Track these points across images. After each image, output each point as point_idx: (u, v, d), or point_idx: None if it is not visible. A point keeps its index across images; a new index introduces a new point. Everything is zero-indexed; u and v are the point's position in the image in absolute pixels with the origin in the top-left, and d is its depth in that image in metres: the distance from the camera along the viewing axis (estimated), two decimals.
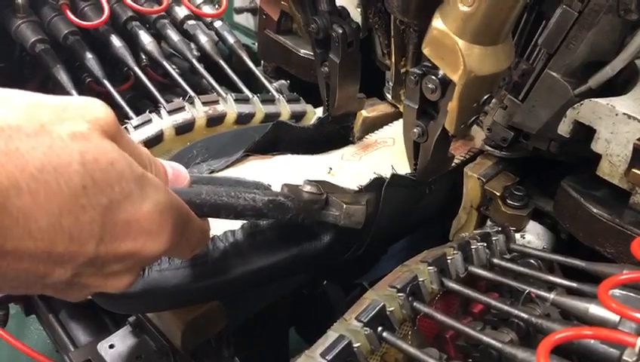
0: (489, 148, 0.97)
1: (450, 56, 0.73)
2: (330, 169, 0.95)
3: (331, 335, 0.57)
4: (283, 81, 1.40)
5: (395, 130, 1.08)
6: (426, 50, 0.77)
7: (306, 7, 0.92)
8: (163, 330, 0.87)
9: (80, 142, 0.43)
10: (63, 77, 1.23)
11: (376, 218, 0.87)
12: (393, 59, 0.95)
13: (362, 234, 0.87)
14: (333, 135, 1.05)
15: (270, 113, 1.23)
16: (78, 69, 1.35)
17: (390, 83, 1.07)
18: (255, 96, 1.25)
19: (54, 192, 0.41)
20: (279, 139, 0.99)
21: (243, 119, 1.20)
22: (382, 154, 1.02)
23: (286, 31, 1.38)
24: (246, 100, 1.23)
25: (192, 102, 1.18)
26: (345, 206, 0.75)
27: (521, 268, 0.64)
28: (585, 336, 0.51)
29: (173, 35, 1.37)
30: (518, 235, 0.89)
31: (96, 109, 0.46)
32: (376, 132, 1.10)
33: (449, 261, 0.64)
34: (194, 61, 1.34)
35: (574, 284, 0.60)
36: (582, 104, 0.79)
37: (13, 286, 0.45)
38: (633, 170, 0.75)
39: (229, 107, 1.20)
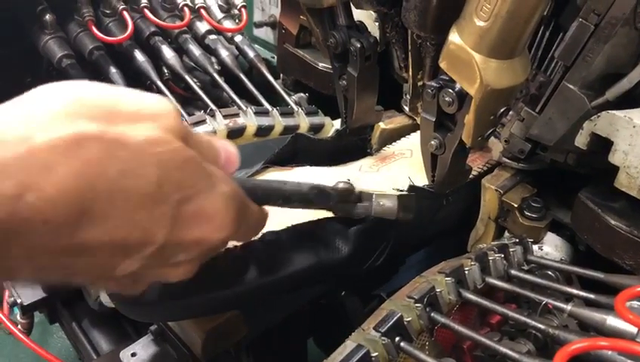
0: (507, 160, 0.97)
1: (467, 70, 0.73)
2: (349, 180, 0.95)
3: (349, 345, 0.58)
4: (302, 94, 1.42)
5: (412, 142, 1.08)
6: (442, 64, 0.77)
7: (325, 22, 0.93)
8: (184, 339, 0.87)
9: (155, 146, 0.46)
10: None
11: (395, 229, 0.87)
12: (410, 73, 0.95)
13: (380, 245, 0.87)
14: (352, 147, 1.06)
15: (289, 126, 1.24)
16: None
17: (408, 95, 1.08)
18: (274, 108, 1.26)
19: (130, 193, 0.44)
20: (298, 151, 1.00)
21: (263, 132, 1.22)
22: (400, 166, 1.02)
23: (305, 45, 1.39)
24: (265, 113, 1.24)
25: (213, 115, 1.19)
26: (375, 194, 0.77)
27: (539, 280, 0.64)
28: (601, 347, 0.50)
29: (195, 50, 1.40)
30: (536, 247, 0.88)
31: (166, 112, 0.48)
32: (393, 144, 1.10)
33: (466, 272, 0.64)
34: (215, 75, 1.35)
35: (592, 296, 0.60)
36: (599, 116, 0.78)
37: (78, 279, 0.48)
38: None
39: (249, 120, 1.21)
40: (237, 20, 1.49)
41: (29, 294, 1.22)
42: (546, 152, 0.90)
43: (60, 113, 0.43)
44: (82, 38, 1.31)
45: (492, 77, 0.73)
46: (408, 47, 0.91)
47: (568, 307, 0.58)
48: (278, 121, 1.24)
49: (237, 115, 1.21)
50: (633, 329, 0.53)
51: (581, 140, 0.81)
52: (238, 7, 1.50)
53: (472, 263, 0.65)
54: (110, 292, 0.53)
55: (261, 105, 1.29)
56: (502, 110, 0.79)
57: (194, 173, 0.49)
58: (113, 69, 1.30)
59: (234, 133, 1.19)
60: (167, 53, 1.37)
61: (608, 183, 0.79)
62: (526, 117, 0.90)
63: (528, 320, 0.57)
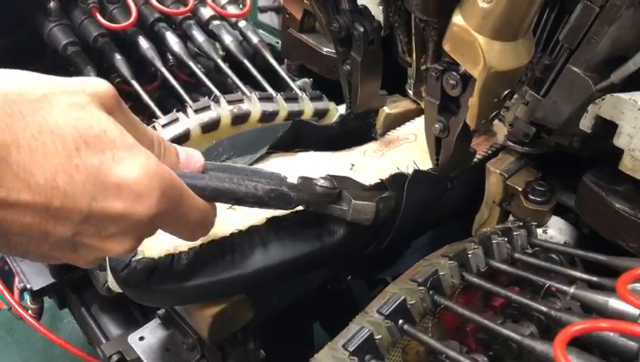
0: (511, 143, 0.97)
1: (471, 52, 0.73)
2: (353, 165, 0.95)
3: (353, 328, 0.58)
4: (306, 79, 1.41)
5: (416, 127, 1.08)
6: (446, 47, 0.77)
7: (328, 7, 0.92)
8: (191, 323, 0.88)
9: (77, 111, 0.49)
10: None
11: (399, 213, 0.87)
12: (414, 57, 0.94)
13: (385, 229, 0.87)
14: (356, 132, 1.06)
15: (293, 111, 1.24)
16: (107, 70, 1.37)
17: (412, 80, 1.07)
18: (278, 94, 1.26)
19: (51, 152, 0.46)
20: (302, 136, 1.00)
21: (267, 117, 1.22)
22: (404, 151, 1.02)
23: (309, 29, 1.39)
24: (270, 99, 1.24)
25: (217, 101, 1.19)
26: (353, 201, 0.77)
27: (542, 262, 0.64)
28: (601, 329, 0.51)
29: (199, 36, 1.39)
30: (540, 230, 0.88)
31: (96, 85, 0.53)
32: (398, 128, 1.10)
33: (470, 255, 0.64)
34: (219, 61, 1.35)
35: (595, 278, 0.60)
36: (604, 99, 0.78)
37: (23, 243, 0.50)
38: None
39: (253, 105, 1.21)
40: (241, 6, 1.48)
41: (39, 280, 1.23)
42: (551, 136, 0.90)
43: None
44: (87, 25, 1.31)
45: (495, 59, 0.72)
46: (412, 31, 0.91)
47: (571, 289, 0.58)
48: (282, 107, 1.23)
49: (241, 100, 1.21)
50: (635, 311, 0.54)
51: (586, 123, 0.81)
52: None
53: (475, 246, 0.65)
54: (59, 261, 0.56)
55: (265, 90, 1.28)
56: (506, 93, 0.79)
57: (113, 143, 0.50)
58: (118, 56, 1.30)
59: (238, 119, 1.19)
60: (172, 39, 1.36)
61: (613, 166, 0.79)
62: (530, 100, 0.89)
63: (531, 303, 0.58)
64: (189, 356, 0.93)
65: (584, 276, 0.60)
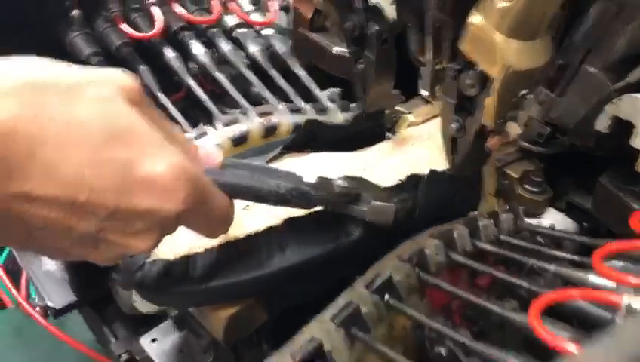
0: (525, 144, 1.02)
1: (488, 52, 0.80)
2: (366, 165, 1.03)
3: (340, 301, 0.67)
4: (334, 89, 1.44)
5: (429, 125, 1.15)
6: (463, 46, 0.84)
7: (341, 5, 1.00)
8: (205, 324, 0.93)
9: (104, 104, 0.52)
10: None
11: (416, 214, 0.95)
12: (429, 57, 1.00)
13: (401, 229, 0.94)
14: (368, 132, 1.14)
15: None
16: None
17: (424, 79, 1.12)
18: (307, 105, 1.33)
19: (77, 145, 0.50)
20: (315, 136, 1.08)
21: (297, 129, 1.27)
22: (417, 150, 1.09)
23: (319, 28, 1.45)
24: (299, 110, 1.31)
25: (245, 113, 1.27)
26: (372, 202, 0.84)
27: (526, 243, 0.73)
28: (572, 297, 0.59)
29: (224, 45, 1.47)
30: (535, 221, 0.95)
31: (123, 78, 0.56)
32: (411, 127, 1.17)
33: (455, 235, 0.73)
34: (246, 71, 1.42)
35: (576, 258, 0.68)
36: (620, 99, 0.82)
37: (44, 237, 0.53)
38: None
39: (283, 117, 1.28)
40: (266, 13, 1.56)
41: (60, 296, 1.29)
42: (566, 136, 0.95)
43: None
44: (109, 34, 1.39)
45: (514, 58, 0.80)
46: (424, 30, 0.98)
47: (552, 267, 0.67)
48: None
49: (271, 113, 1.28)
50: (613, 285, 0.61)
51: (602, 124, 0.86)
52: None
53: (461, 226, 0.74)
54: (75, 258, 0.60)
55: (291, 100, 1.35)
56: (523, 92, 0.86)
57: (140, 137, 0.53)
58: (142, 66, 1.37)
59: (268, 132, 1.26)
60: (198, 49, 1.44)
61: (628, 167, 0.85)
62: (545, 100, 0.93)
63: (512, 279, 0.66)
64: (202, 357, 0.99)
65: (567, 256, 0.68)
